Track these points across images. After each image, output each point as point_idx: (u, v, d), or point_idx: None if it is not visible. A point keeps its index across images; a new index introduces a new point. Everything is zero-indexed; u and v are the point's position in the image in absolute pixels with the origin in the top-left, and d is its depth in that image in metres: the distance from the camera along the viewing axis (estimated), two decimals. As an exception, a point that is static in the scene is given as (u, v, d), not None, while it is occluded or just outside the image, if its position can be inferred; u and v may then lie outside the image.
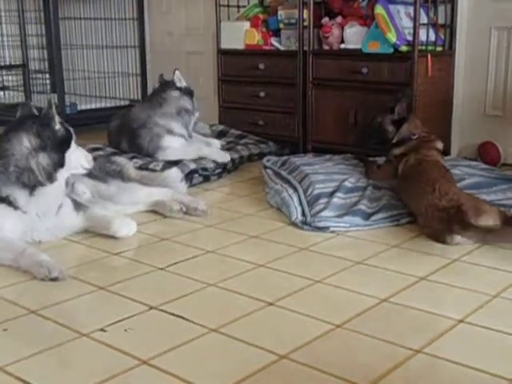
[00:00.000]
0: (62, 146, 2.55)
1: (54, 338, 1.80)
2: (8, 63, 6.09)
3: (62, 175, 2.56)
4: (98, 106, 5.42)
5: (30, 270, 2.24)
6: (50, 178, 2.50)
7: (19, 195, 2.45)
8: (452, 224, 2.45)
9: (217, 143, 4.07)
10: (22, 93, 5.74)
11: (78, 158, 2.65)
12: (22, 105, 2.67)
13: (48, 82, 5.94)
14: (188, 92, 3.94)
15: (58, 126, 2.54)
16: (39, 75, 5.88)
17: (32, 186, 2.46)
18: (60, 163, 2.53)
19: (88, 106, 5.37)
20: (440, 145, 3.13)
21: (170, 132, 3.82)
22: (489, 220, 2.49)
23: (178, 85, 3.92)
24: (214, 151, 3.78)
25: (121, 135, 3.97)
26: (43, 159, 2.48)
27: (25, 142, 2.47)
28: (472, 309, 1.94)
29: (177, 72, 3.94)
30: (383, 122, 3.24)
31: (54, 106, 2.56)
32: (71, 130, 2.64)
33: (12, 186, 2.44)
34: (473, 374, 1.59)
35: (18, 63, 5.85)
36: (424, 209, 2.61)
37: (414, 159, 2.95)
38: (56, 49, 5.09)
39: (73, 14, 5.69)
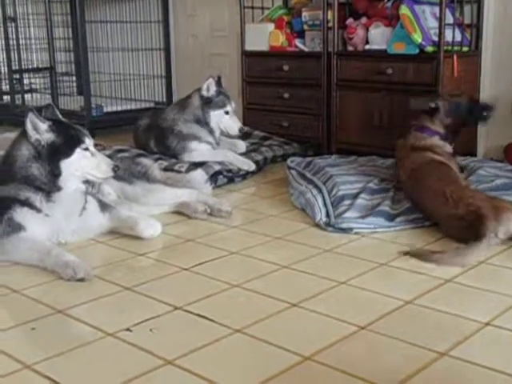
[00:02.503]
0: (54, 154, 2.44)
1: (80, 338, 1.82)
2: (36, 66, 6.18)
3: (68, 183, 2.48)
4: (124, 108, 5.47)
5: (56, 270, 2.26)
6: (55, 186, 2.46)
7: (36, 199, 2.45)
8: (477, 230, 2.39)
9: (242, 145, 4.09)
10: (49, 95, 5.82)
11: (84, 167, 2.50)
12: (45, 107, 2.65)
13: (75, 84, 6.02)
14: (209, 101, 3.85)
15: (37, 136, 2.43)
16: (66, 78, 5.96)
17: (47, 192, 2.46)
18: (53, 173, 2.44)
19: (114, 108, 5.42)
20: (431, 141, 2.99)
21: (197, 138, 3.85)
22: (510, 217, 2.45)
23: (204, 93, 3.86)
24: (240, 159, 3.77)
25: (150, 134, 4.01)
26: (37, 168, 2.44)
27: (24, 150, 2.46)
28: (499, 311, 1.92)
29: (209, 80, 3.85)
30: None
31: (31, 115, 2.41)
32: (79, 136, 2.51)
33: (28, 190, 2.45)
34: (499, 377, 1.57)
35: (45, 66, 5.93)
36: (443, 220, 2.57)
37: (410, 163, 2.86)
38: (82, 52, 5.15)
39: (99, 18, 5.75)
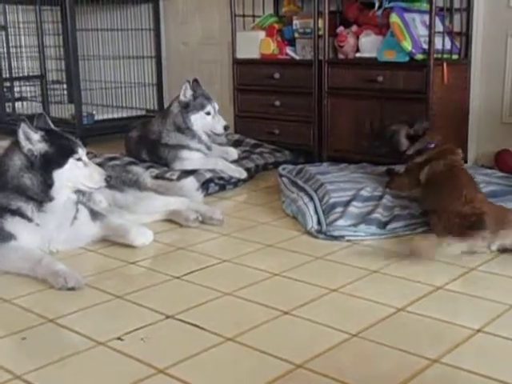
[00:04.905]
0: (46, 165, 2.43)
1: (71, 347, 1.82)
2: (26, 74, 6.17)
3: (60, 193, 2.47)
4: (115, 115, 5.47)
5: (47, 279, 2.25)
6: (47, 196, 2.45)
7: (27, 208, 2.44)
8: (470, 231, 2.42)
9: (234, 152, 4.08)
10: (40, 103, 5.81)
11: (77, 177, 2.49)
12: (37, 116, 2.63)
13: (65, 92, 6.01)
14: (188, 105, 3.81)
15: (29, 146, 2.41)
16: (57, 86, 5.95)
17: (39, 202, 2.45)
18: (46, 183, 2.43)
19: (105, 116, 5.41)
20: (461, 153, 3.10)
21: (185, 147, 3.84)
22: (510, 232, 2.45)
23: (182, 98, 3.82)
24: (231, 167, 3.77)
25: (141, 145, 4.02)
26: (29, 178, 2.43)
27: (16, 160, 2.44)
28: (490, 318, 1.93)
29: (185, 84, 3.81)
30: (398, 132, 3.21)
31: (23, 125, 2.40)
32: (72, 146, 2.50)
33: (19, 199, 2.44)
34: (491, 384, 1.58)
35: (36, 74, 5.92)
36: (447, 214, 2.57)
37: (443, 165, 2.92)
38: (73, 59, 5.14)
39: (90, 25, 5.75)
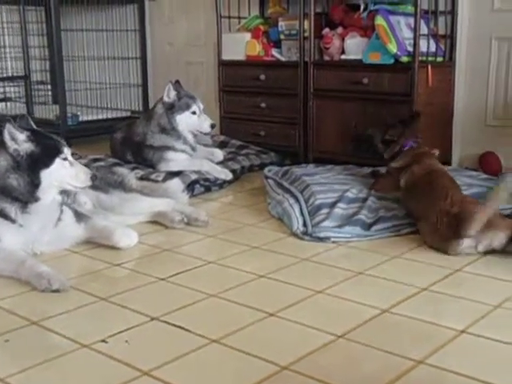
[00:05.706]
0: (33, 165, 2.41)
1: (55, 349, 1.80)
2: (10, 74, 6.12)
3: (46, 193, 2.46)
4: (100, 117, 5.44)
5: (30, 281, 2.23)
6: (33, 196, 2.43)
7: (11, 210, 2.42)
8: (460, 228, 2.43)
9: (219, 154, 4.08)
10: (24, 104, 5.76)
11: (63, 177, 2.49)
12: (20, 117, 2.60)
13: (50, 93, 5.97)
14: (172, 106, 3.81)
15: (15, 146, 2.39)
16: (41, 86, 5.90)
17: (24, 202, 2.43)
18: (33, 183, 2.41)
19: (90, 117, 5.38)
20: (436, 152, 3.13)
21: (171, 148, 3.83)
22: (498, 233, 2.46)
23: (166, 99, 3.82)
24: (217, 168, 3.77)
25: (126, 147, 4.01)
26: (15, 179, 2.40)
27: (1, 161, 2.42)
28: (474, 319, 1.94)
29: (168, 85, 3.81)
30: (373, 137, 3.26)
31: (9, 125, 2.38)
32: (58, 146, 2.50)
33: (4, 201, 2.41)
34: (475, 384, 1.59)
35: (20, 74, 5.88)
36: (434, 215, 2.58)
37: (420, 169, 2.94)
38: (58, 60, 5.10)
39: (75, 26, 5.71)
